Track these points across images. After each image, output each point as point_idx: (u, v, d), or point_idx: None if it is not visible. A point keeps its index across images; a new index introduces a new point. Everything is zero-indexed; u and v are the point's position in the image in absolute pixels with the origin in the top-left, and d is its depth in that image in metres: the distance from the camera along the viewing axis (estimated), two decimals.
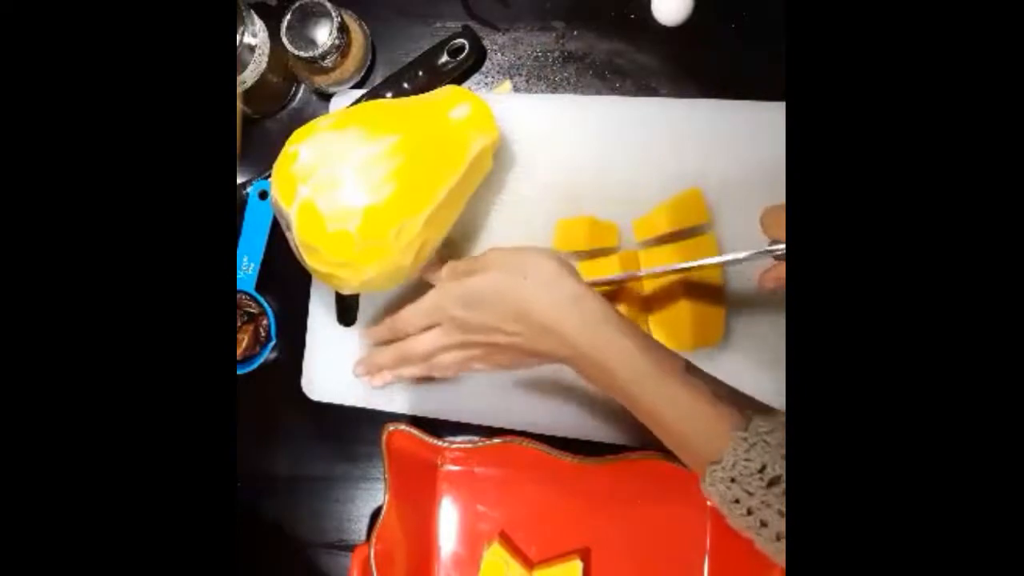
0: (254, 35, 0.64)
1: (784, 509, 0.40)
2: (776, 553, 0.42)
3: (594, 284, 0.54)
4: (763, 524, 0.42)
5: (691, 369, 0.48)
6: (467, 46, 0.66)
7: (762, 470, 0.41)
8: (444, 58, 0.66)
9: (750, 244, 0.52)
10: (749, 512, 0.42)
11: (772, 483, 0.41)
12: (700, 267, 0.56)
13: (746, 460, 0.42)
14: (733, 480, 0.42)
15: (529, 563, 0.63)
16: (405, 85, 0.65)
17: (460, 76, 0.68)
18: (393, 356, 0.59)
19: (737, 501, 0.42)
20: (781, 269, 0.52)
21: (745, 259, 0.53)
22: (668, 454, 0.58)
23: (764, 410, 0.45)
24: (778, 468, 0.41)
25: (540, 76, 0.69)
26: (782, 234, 0.50)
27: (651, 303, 0.61)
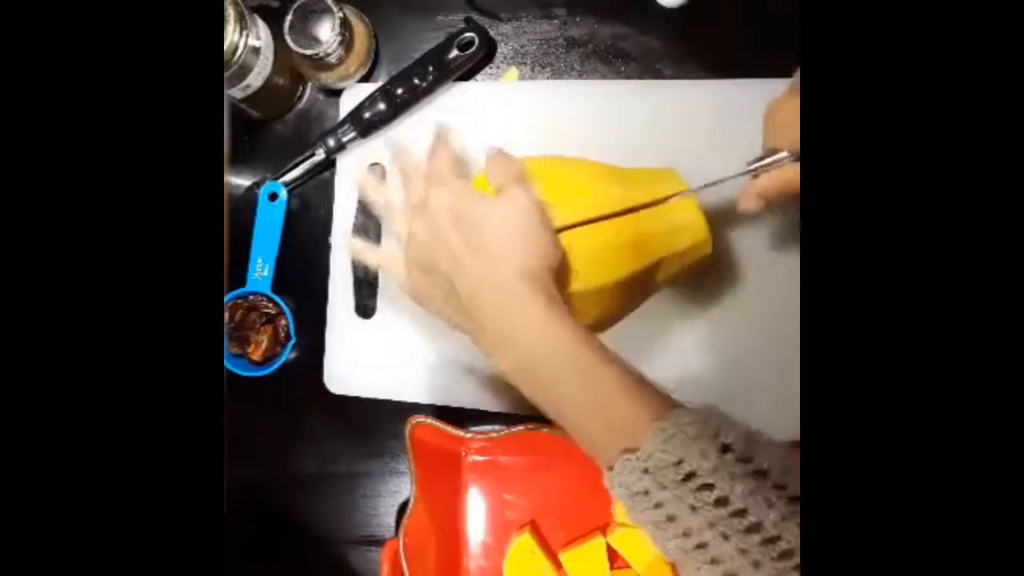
0: (258, 37, 0.64)
1: (696, 504, 0.36)
2: (675, 551, 0.38)
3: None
4: (670, 519, 0.38)
5: (616, 359, 0.44)
6: (476, 40, 0.66)
7: (678, 463, 0.38)
8: (454, 52, 0.66)
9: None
10: (657, 506, 0.38)
11: (687, 478, 0.37)
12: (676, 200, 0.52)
13: (663, 452, 0.38)
14: (646, 471, 0.38)
15: (556, 550, 0.64)
16: (416, 81, 0.65)
17: (470, 70, 0.68)
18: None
19: (646, 493, 0.38)
20: (759, 183, 0.49)
21: (730, 178, 0.50)
22: None
23: (681, 405, 0.42)
24: (694, 464, 0.37)
25: (544, 63, 0.69)
26: (779, 141, 0.47)
27: None
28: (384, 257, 0.53)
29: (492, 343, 0.46)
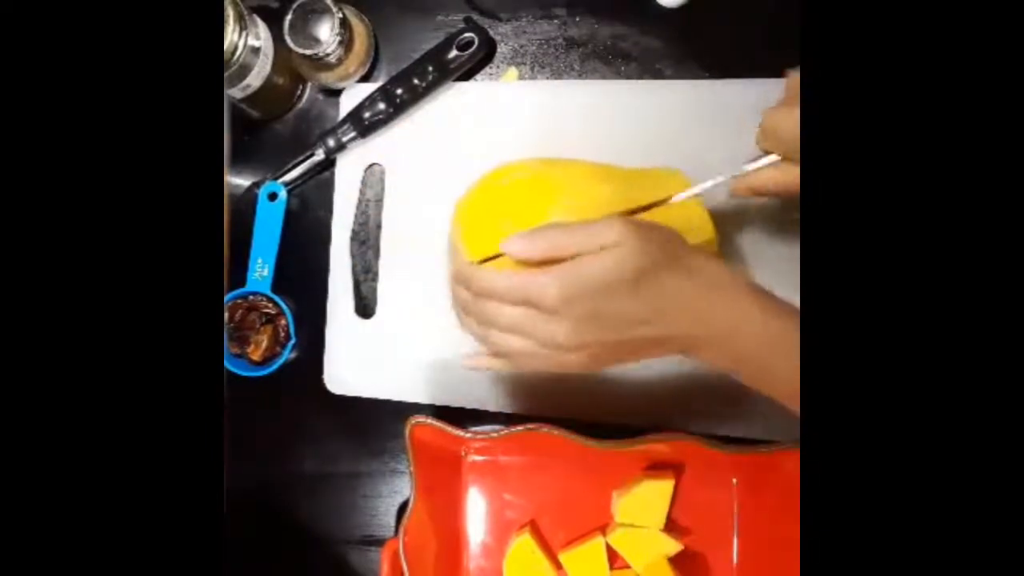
0: (257, 38, 0.64)
1: None
2: None
3: None
4: None
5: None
6: (476, 40, 0.66)
7: None
8: (453, 52, 0.66)
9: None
10: None
11: None
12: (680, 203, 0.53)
13: None
14: None
15: (556, 550, 0.64)
16: (415, 81, 0.65)
17: (470, 70, 0.68)
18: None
19: None
20: (752, 179, 0.52)
21: (725, 181, 0.52)
22: (694, 435, 0.59)
23: None
24: None
25: (544, 64, 0.69)
26: (773, 146, 0.50)
27: None
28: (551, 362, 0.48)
29: (714, 351, 0.47)
